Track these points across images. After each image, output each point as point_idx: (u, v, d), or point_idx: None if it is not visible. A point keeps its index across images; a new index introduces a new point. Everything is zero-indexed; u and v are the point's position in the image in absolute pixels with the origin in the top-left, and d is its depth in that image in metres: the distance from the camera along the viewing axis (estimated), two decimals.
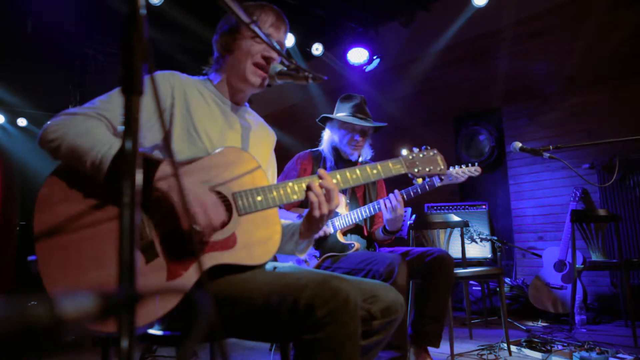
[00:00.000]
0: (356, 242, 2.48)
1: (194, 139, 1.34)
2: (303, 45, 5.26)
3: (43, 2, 4.20)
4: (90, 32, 4.97)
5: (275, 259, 1.81)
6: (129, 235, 0.55)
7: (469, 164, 2.55)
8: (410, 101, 5.99)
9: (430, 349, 2.53)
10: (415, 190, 2.42)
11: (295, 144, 5.03)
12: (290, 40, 4.94)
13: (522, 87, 5.03)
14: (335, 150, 2.67)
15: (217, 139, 1.38)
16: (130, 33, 0.58)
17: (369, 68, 5.38)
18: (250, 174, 1.33)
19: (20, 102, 5.84)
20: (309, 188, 1.31)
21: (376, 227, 2.64)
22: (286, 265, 1.54)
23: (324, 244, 2.46)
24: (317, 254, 2.46)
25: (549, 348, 2.79)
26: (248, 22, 0.87)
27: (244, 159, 1.35)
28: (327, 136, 2.70)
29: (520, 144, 2.34)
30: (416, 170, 1.55)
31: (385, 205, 2.42)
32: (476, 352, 2.93)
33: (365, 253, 2.41)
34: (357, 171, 1.42)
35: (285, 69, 1.37)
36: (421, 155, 1.58)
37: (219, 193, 1.27)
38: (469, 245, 4.46)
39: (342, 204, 2.56)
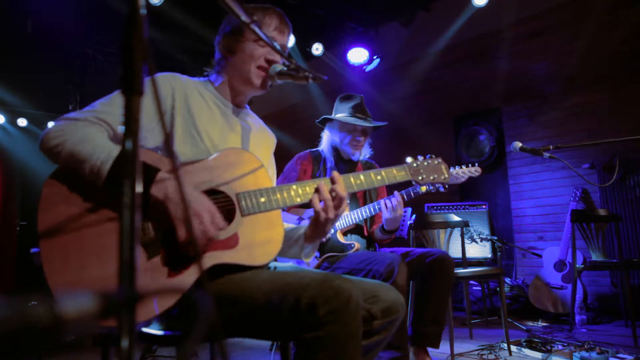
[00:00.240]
0: (356, 242, 2.48)
1: (196, 140, 1.34)
2: (303, 45, 5.26)
3: (43, 2, 4.20)
4: (90, 32, 4.97)
5: (275, 259, 1.81)
6: (129, 235, 0.55)
7: (469, 165, 2.55)
8: (410, 101, 5.99)
9: (430, 349, 2.53)
10: (415, 191, 2.42)
11: (295, 144, 5.03)
12: (290, 40, 4.94)
13: (522, 87, 5.03)
14: (335, 150, 2.67)
15: (218, 140, 1.38)
16: (130, 33, 0.58)
17: (369, 68, 5.38)
18: (253, 174, 1.34)
19: (20, 102, 5.85)
20: (317, 191, 1.31)
21: (375, 226, 2.64)
22: (287, 265, 1.55)
23: (324, 244, 2.46)
24: (317, 254, 2.46)
25: (549, 348, 2.79)
26: (248, 22, 0.86)
27: (247, 159, 1.35)
28: (327, 136, 2.70)
29: (520, 144, 2.33)
30: (420, 178, 1.56)
31: (385, 205, 2.42)
32: (476, 352, 2.93)
33: (365, 253, 2.41)
34: (362, 177, 1.42)
35: (285, 69, 1.38)
36: (425, 164, 1.58)
37: (222, 193, 1.27)
38: (469, 245, 4.46)
39: None
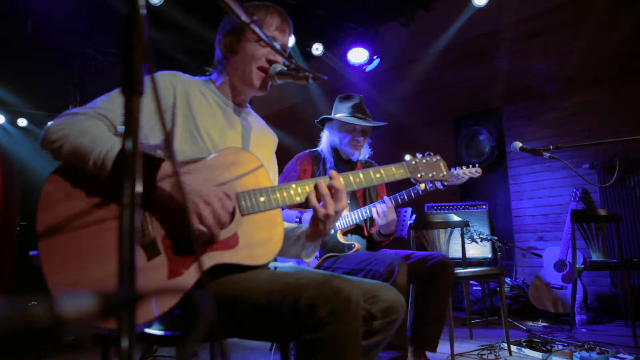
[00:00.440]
0: (356, 243, 2.48)
1: (196, 139, 1.34)
2: (303, 45, 5.27)
3: (43, 2, 4.20)
4: (90, 32, 4.97)
5: (275, 259, 1.82)
6: (129, 235, 0.55)
7: (470, 165, 2.55)
8: (410, 101, 5.99)
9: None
10: (415, 191, 2.42)
11: (295, 144, 5.03)
12: (291, 40, 4.94)
13: (522, 87, 5.03)
14: (335, 150, 2.67)
15: (218, 139, 1.38)
16: (130, 33, 0.58)
17: (369, 68, 5.39)
18: (254, 174, 1.34)
19: (20, 102, 5.85)
20: (315, 188, 1.31)
21: (373, 229, 2.64)
22: (287, 265, 1.54)
23: (324, 244, 2.46)
24: (317, 254, 2.45)
25: (549, 348, 2.79)
26: (248, 22, 0.86)
27: (247, 158, 1.35)
28: (326, 137, 2.69)
29: (520, 144, 2.33)
30: (419, 175, 1.55)
31: (377, 212, 2.41)
32: (476, 352, 2.93)
33: (365, 253, 2.41)
34: (361, 175, 1.42)
35: (285, 68, 1.37)
36: (424, 161, 1.58)
37: None
38: (469, 245, 4.46)
39: None
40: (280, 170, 2.05)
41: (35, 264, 1.14)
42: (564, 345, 2.86)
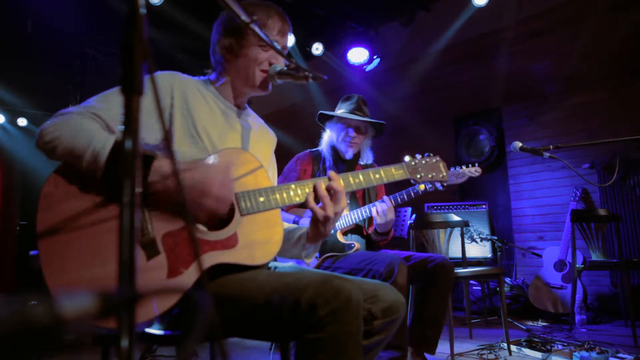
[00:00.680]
0: (356, 242, 2.48)
1: (195, 139, 1.34)
2: (303, 45, 5.26)
3: (43, 2, 4.20)
4: (90, 32, 4.97)
5: (275, 259, 1.82)
6: (128, 235, 0.55)
7: (470, 165, 2.55)
8: (410, 101, 5.99)
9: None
10: (415, 191, 2.42)
11: (295, 144, 5.03)
12: (290, 40, 4.94)
13: (522, 87, 5.03)
14: (334, 150, 2.67)
15: (217, 139, 1.38)
16: (130, 33, 0.58)
17: (369, 68, 5.38)
18: (253, 174, 1.34)
19: (20, 102, 5.85)
20: (313, 190, 1.31)
21: (371, 228, 2.64)
22: (286, 265, 1.55)
23: (324, 244, 2.46)
24: (317, 254, 2.46)
25: (549, 348, 2.79)
26: (248, 22, 0.86)
27: (246, 159, 1.35)
28: (327, 136, 2.70)
29: (520, 144, 2.33)
30: (418, 176, 1.56)
31: (377, 211, 2.42)
32: (476, 352, 2.93)
33: (365, 253, 2.41)
34: (360, 176, 1.42)
35: (285, 68, 1.37)
36: (424, 162, 1.58)
37: None
38: (469, 245, 4.46)
39: None
40: (280, 170, 2.05)
41: (35, 264, 1.15)
42: (563, 345, 2.86)
